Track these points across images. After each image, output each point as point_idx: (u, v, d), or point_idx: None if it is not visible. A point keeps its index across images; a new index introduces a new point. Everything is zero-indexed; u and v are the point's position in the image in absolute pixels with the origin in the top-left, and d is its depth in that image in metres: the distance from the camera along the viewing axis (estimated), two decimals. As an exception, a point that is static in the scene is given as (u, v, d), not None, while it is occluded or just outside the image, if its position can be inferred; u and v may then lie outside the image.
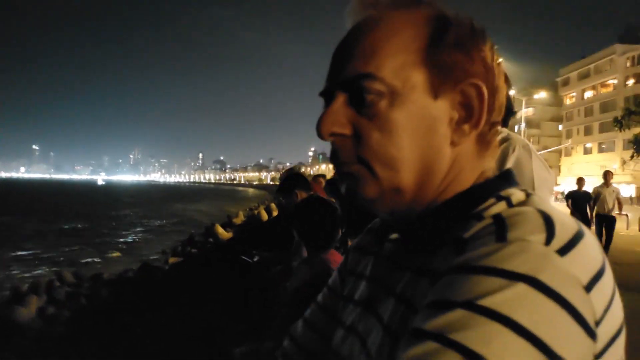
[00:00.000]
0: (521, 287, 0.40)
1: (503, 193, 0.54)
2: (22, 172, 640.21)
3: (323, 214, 2.24)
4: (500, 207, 0.52)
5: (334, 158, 0.59)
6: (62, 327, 7.26)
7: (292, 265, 3.20)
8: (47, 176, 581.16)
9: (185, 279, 6.96)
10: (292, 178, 3.73)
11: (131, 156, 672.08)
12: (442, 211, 0.57)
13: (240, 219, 20.46)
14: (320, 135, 0.58)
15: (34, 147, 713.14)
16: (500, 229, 0.46)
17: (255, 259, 3.95)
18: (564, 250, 0.43)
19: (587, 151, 59.46)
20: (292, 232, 2.42)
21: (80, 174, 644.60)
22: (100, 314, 7.14)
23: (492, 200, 0.53)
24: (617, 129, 38.61)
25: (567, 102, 65.01)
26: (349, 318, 0.68)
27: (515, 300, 0.40)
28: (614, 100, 55.26)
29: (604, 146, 57.75)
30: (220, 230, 15.35)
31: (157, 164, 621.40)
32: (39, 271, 12.59)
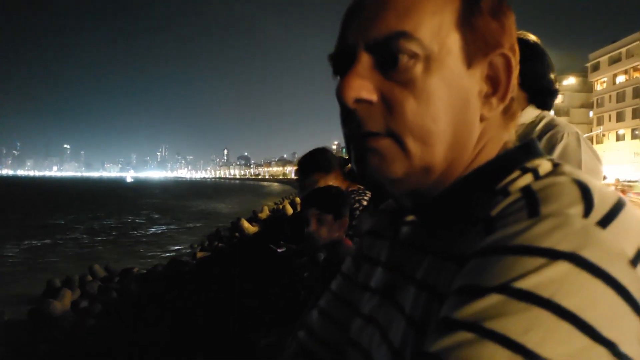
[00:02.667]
0: (562, 266, 0.37)
1: (528, 164, 0.49)
2: (54, 171, 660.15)
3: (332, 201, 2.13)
4: (526, 179, 0.47)
5: (354, 130, 0.52)
6: (94, 320, 7.45)
7: (317, 256, 3.17)
8: (78, 174, 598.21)
9: (212, 272, 7.04)
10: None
11: (158, 153, 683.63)
12: (464, 188, 0.52)
13: (265, 213, 20.62)
14: (343, 101, 0.50)
15: (65, 146, 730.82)
16: (532, 203, 0.42)
17: (281, 250, 3.94)
18: (605, 222, 0.39)
19: (619, 138, 57.45)
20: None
21: (109, 172, 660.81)
22: (130, 307, 7.29)
23: (516, 172, 0.49)
24: (651, 114, 37.06)
25: (598, 87, 62.85)
26: (366, 307, 0.64)
27: (557, 281, 0.36)
28: (647, 85, 53.23)
29: (637, 132, 55.72)
30: (246, 224, 15.52)
31: (183, 161, 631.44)
32: (72, 266, 12.94)
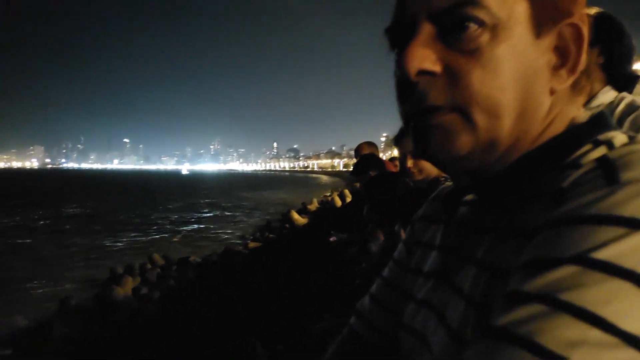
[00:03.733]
0: None
1: (601, 137, 0.46)
2: (116, 164, 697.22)
3: (390, 188, 2.17)
4: (600, 151, 0.44)
5: (415, 105, 0.49)
6: (154, 306, 7.81)
7: (368, 246, 3.15)
8: (137, 167, 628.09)
9: (264, 262, 7.18)
10: (365, 160, 3.66)
11: (211, 147, 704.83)
12: (531, 163, 0.49)
13: (314, 205, 20.75)
14: (406, 73, 0.48)
15: (124, 140, 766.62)
16: (610, 170, 0.39)
17: (332, 239, 3.95)
18: None
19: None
20: (365, 214, 2.34)
21: (166, 164, 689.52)
22: (186, 295, 7.58)
23: (588, 146, 0.45)
24: None
25: (671, 71, 58.34)
26: (420, 291, 0.63)
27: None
28: None
29: None
30: (295, 216, 15.69)
31: (235, 154, 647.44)
32: (133, 255, 13.64)
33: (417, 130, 0.51)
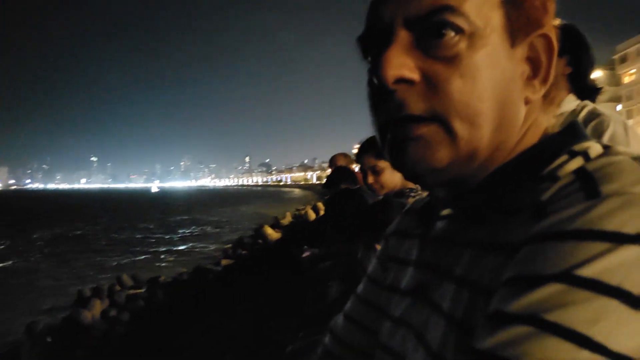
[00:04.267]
0: (631, 250, 0.33)
1: (576, 148, 0.44)
2: (83, 183, 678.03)
3: (349, 204, 2.17)
4: (577, 162, 0.42)
5: (392, 114, 0.47)
6: (123, 328, 7.57)
7: (342, 260, 3.14)
8: (105, 186, 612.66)
9: (236, 279, 7.07)
10: (337, 172, 3.67)
11: (182, 163, 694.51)
12: (508, 174, 0.48)
13: (287, 219, 20.64)
14: (383, 81, 0.46)
15: (92, 158, 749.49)
16: (589, 183, 0.38)
17: (305, 255, 3.91)
18: None
19: (650, 131, 55.75)
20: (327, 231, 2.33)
21: (135, 183, 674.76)
22: (157, 315, 7.37)
23: (564, 157, 0.44)
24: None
25: (626, 80, 61.14)
26: (397, 309, 0.60)
27: (625, 267, 0.32)
28: (679, 75, 51.45)
29: (669, 125, 54.00)
30: (269, 230, 15.55)
31: (206, 170, 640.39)
32: (101, 276, 13.21)
33: (394, 141, 0.48)
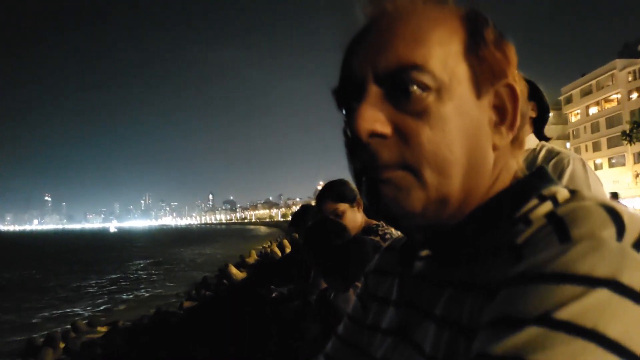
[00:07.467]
0: (602, 293, 0.35)
1: (545, 192, 0.48)
2: (35, 225, 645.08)
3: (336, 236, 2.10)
4: (547, 206, 0.46)
5: (367, 162, 0.50)
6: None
7: (310, 299, 3.12)
8: (60, 227, 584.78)
9: (201, 322, 6.84)
10: (304, 211, 3.69)
11: (142, 202, 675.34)
12: (483, 218, 0.51)
13: (253, 258, 20.30)
14: (358, 136, 0.49)
15: (46, 198, 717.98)
16: (561, 227, 0.41)
17: (273, 295, 3.86)
18: (639, 244, 0.38)
19: (597, 167, 58.73)
20: (305, 265, 2.30)
21: (92, 223, 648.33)
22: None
23: (534, 201, 0.48)
24: (626, 142, 38.37)
25: (572, 119, 64.98)
26: (379, 350, 0.61)
27: (598, 309, 0.34)
28: (619, 115, 55.15)
29: (614, 161, 57.24)
30: (234, 270, 15.24)
31: (168, 208, 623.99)
32: (55, 323, 12.46)
33: (369, 185, 0.51)
